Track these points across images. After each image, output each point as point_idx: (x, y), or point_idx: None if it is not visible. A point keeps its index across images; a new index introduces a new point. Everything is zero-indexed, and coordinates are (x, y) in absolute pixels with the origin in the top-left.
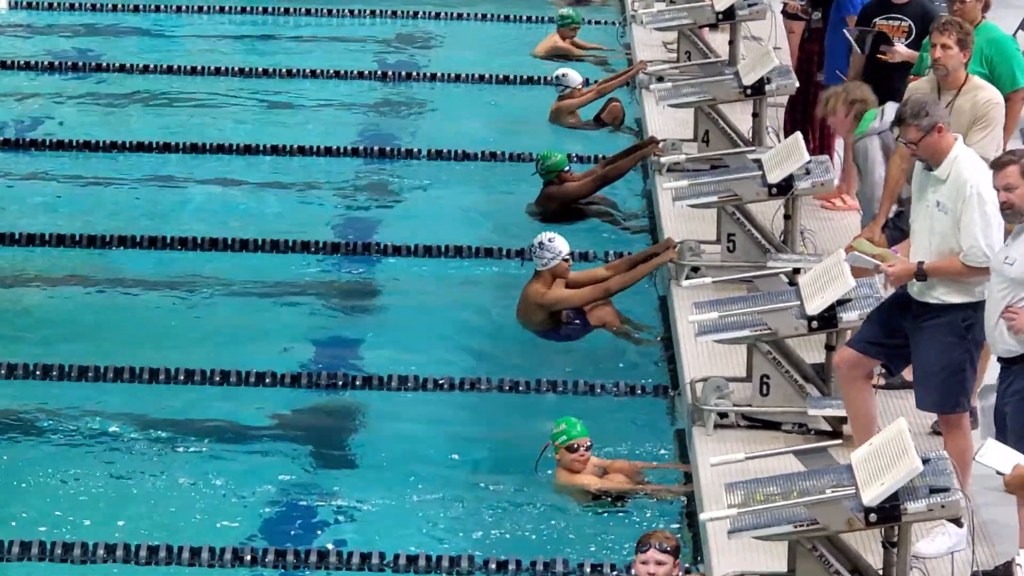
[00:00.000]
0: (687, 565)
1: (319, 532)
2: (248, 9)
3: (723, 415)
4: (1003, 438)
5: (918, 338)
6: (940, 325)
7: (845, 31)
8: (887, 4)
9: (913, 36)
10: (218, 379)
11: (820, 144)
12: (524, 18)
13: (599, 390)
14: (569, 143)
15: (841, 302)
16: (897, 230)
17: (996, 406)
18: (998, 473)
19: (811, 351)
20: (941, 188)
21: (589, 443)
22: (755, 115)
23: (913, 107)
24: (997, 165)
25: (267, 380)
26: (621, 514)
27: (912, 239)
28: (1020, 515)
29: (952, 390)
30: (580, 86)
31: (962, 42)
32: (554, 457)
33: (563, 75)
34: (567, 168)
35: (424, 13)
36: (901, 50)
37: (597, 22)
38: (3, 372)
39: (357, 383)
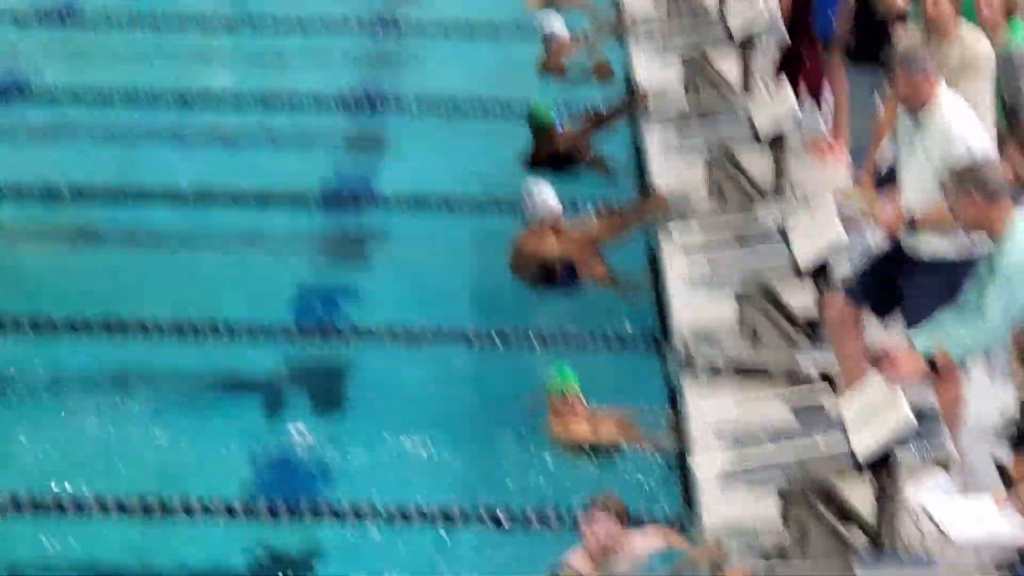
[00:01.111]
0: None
1: (309, 483)
2: None
3: (713, 365)
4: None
5: (908, 288)
6: (932, 278)
7: None
8: None
9: None
10: (207, 330)
11: (809, 93)
12: None
13: (589, 340)
14: (559, 93)
15: (830, 251)
16: (885, 179)
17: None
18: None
19: (801, 300)
20: (926, 135)
21: (580, 392)
22: (744, 64)
23: (903, 55)
24: None
25: (257, 331)
26: (612, 464)
27: (901, 188)
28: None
29: None
30: (567, 38)
31: None
32: (545, 406)
33: (550, 28)
34: (556, 120)
35: None
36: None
37: None
38: None
39: (348, 334)
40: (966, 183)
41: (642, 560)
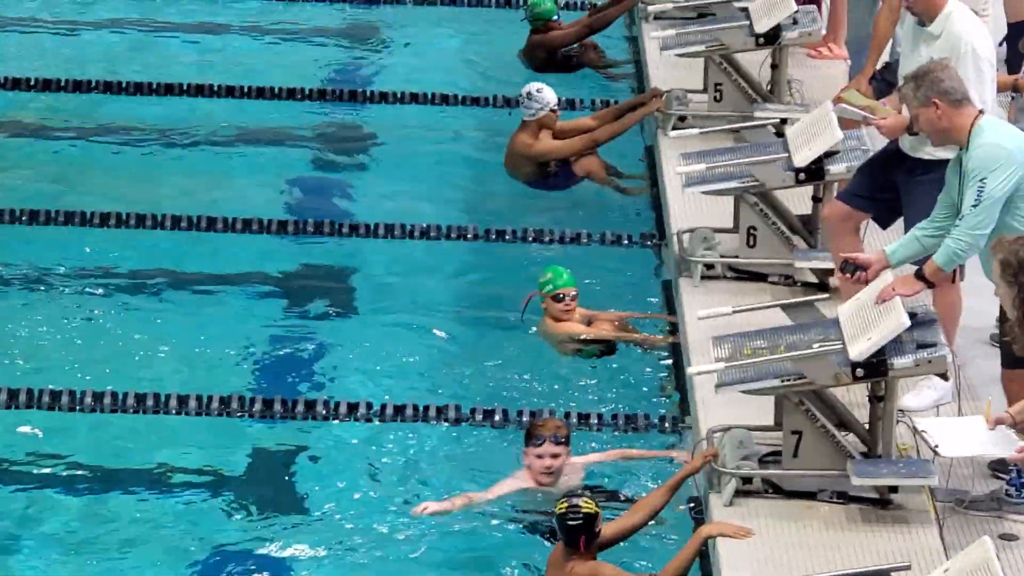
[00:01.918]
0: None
1: (304, 380)
2: None
3: (710, 266)
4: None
5: (910, 192)
6: (932, 180)
7: None
8: None
9: None
10: (204, 225)
11: None
12: None
13: (585, 240)
14: None
15: (829, 154)
16: (884, 82)
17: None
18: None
19: (799, 203)
20: (935, 43)
21: (575, 292)
22: None
23: None
24: None
25: (253, 226)
26: (607, 364)
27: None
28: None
29: None
30: None
31: None
32: (541, 307)
33: None
34: (555, 16)
35: None
36: None
37: None
38: None
39: (343, 230)
40: (928, 89)
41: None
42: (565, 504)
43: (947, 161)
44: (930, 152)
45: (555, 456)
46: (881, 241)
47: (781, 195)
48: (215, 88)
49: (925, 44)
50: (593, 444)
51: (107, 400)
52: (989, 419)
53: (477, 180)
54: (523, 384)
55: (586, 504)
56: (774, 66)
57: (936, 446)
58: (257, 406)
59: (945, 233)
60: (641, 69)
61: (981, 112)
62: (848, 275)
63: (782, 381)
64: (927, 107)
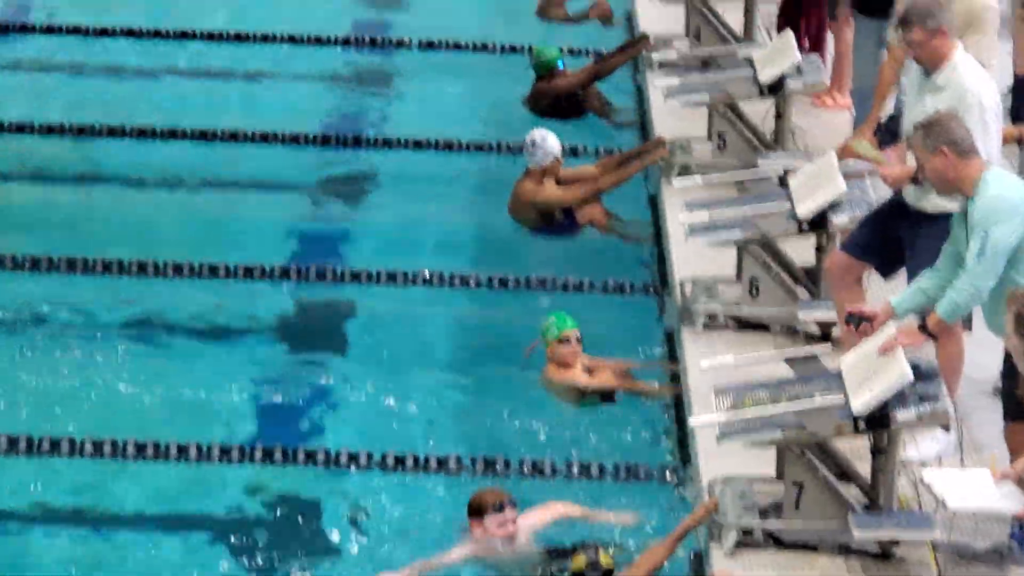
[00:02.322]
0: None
1: (306, 429)
2: None
3: (712, 316)
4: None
5: (913, 244)
6: (935, 232)
7: None
8: None
9: None
10: (205, 272)
11: (812, 42)
12: None
13: (588, 288)
14: (561, 36)
15: (832, 204)
16: (888, 133)
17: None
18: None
19: (801, 253)
20: (940, 94)
21: (579, 334)
22: (747, 12)
23: (921, 8)
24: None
25: (255, 273)
26: (608, 413)
27: (908, 145)
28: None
29: None
30: None
31: None
32: (545, 352)
33: None
34: (560, 65)
35: None
36: None
37: None
38: None
39: (345, 277)
40: (937, 138)
41: (533, 533)
42: (583, 560)
43: (950, 214)
44: (934, 204)
45: (513, 521)
46: (884, 291)
47: (783, 244)
48: (217, 133)
49: (930, 94)
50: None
51: (107, 448)
52: (995, 472)
53: (481, 227)
54: (525, 433)
55: (604, 558)
56: (778, 115)
57: (942, 498)
58: (257, 455)
59: (949, 285)
60: (645, 117)
61: (987, 164)
62: (854, 327)
63: (784, 432)
64: (935, 155)
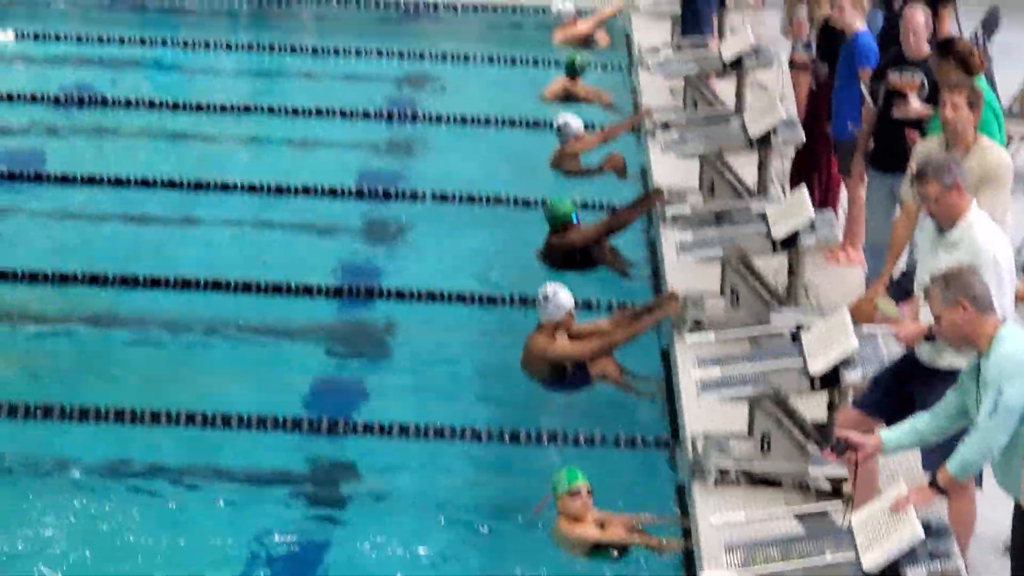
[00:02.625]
0: None
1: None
2: (254, 46)
3: (724, 471)
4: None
5: (925, 402)
6: (948, 385)
7: (861, 84)
8: (902, 59)
9: (927, 93)
10: (219, 423)
11: (824, 197)
12: (530, 61)
13: (599, 441)
14: (574, 188)
15: (844, 361)
16: (900, 289)
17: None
18: None
19: (813, 408)
20: (955, 252)
21: (590, 487)
22: (760, 166)
23: (937, 164)
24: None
25: (266, 425)
26: (619, 568)
27: (923, 302)
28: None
29: None
30: (582, 133)
31: (972, 102)
32: (556, 506)
33: (564, 124)
34: (574, 218)
35: (430, 54)
36: (915, 105)
37: (604, 66)
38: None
39: (357, 430)
40: (956, 292)
41: None
42: None
43: (960, 368)
44: (948, 361)
45: None
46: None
47: (795, 399)
48: (230, 283)
49: (944, 251)
50: None
51: None
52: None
53: (492, 380)
54: None
55: None
56: (791, 271)
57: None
58: None
59: (946, 431)
60: (658, 271)
61: (1003, 320)
62: (836, 454)
63: None
64: (954, 309)
